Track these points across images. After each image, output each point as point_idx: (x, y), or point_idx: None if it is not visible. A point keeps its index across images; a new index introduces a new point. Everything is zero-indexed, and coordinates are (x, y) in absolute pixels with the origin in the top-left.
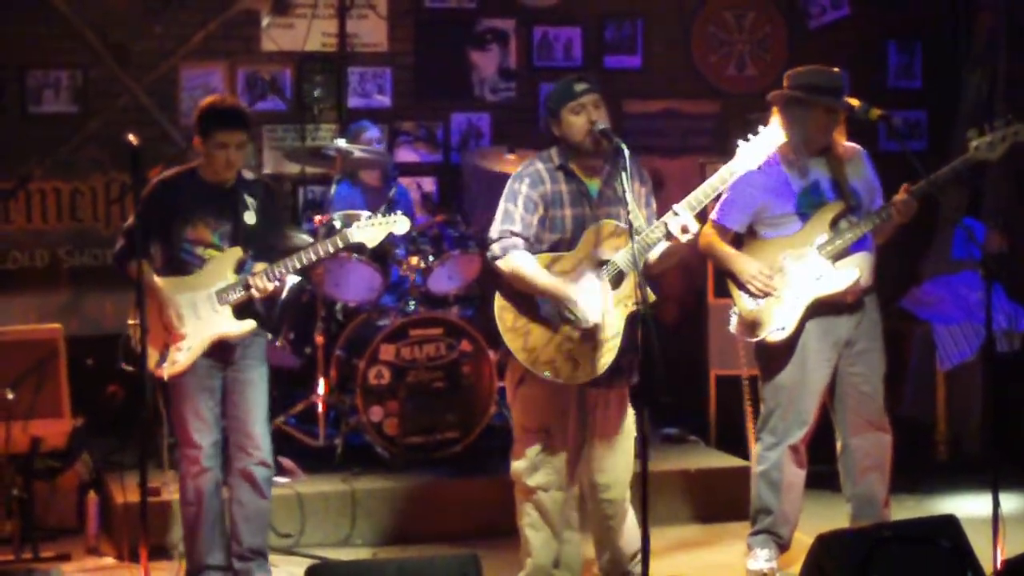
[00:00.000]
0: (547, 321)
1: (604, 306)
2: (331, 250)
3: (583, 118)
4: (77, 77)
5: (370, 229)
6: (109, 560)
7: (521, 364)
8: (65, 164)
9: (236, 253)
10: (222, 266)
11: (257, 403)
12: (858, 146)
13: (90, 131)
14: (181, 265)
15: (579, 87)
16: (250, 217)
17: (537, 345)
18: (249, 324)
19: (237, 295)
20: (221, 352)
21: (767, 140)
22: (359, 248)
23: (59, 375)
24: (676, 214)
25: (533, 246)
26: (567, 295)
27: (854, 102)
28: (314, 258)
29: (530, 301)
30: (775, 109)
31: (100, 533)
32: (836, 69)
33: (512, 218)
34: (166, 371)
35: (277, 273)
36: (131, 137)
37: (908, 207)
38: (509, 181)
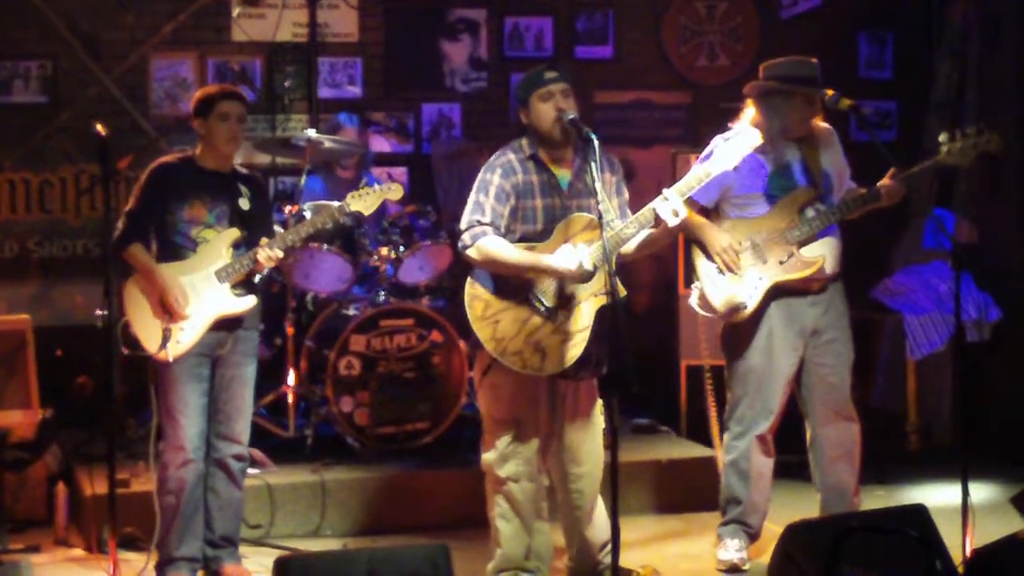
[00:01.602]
0: (517, 312)
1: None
2: (331, 221)
3: (551, 105)
4: (47, 67)
5: (367, 198)
6: (78, 551)
7: (488, 354)
8: (34, 155)
9: (233, 234)
10: (217, 247)
11: (245, 399)
12: (829, 126)
13: (60, 122)
14: (175, 251)
15: (548, 75)
16: (244, 203)
17: (506, 335)
18: (251, 300)
19: (237, 272)
20: (222, 327)
21: (745, 141)
22: (329, 237)
23: (27, 366)
24: (667, 199)
25: (505, 237)
26: (544, 261)
27: (827, 91)
28: (315, 230)
29: (501, 291)
30: (750, 101)
31: (69, 524)
32: (813, 59)
33: (482, 208)
34: (171, 352)
35: (288, 242)
36: (99, 127)
37: (898, 192)
38: (481, 172)
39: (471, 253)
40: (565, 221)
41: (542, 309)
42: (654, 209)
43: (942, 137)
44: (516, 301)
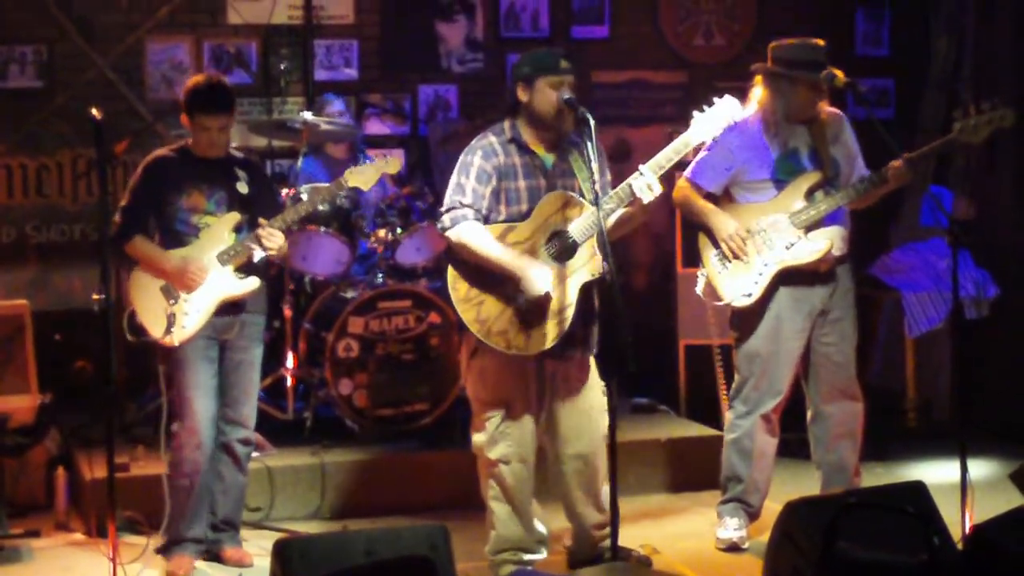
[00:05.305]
0: (500, 292)
1: (555, 277)
2: (331, 198)
3: (559, 95)
4: (42, 52)
5: (365, 173)
6: (78, 535)
7: (474, 336)
8: (31, 140)
9: (233, 218)
10: (219, 231)
11: (252, 382)
12: (839, 111)
13: (56, 106)
14: (177, 237)
15: (565, 64)
16: (242, 187)
17: (490, 316)
18: (253, 282)
19: (238, 255)
20: (228, 311)
21: (723, 112)
22: (326, 219)
23: (26, 351)
24: (642, 174)
25: (489, 218)
26: (516, 267)
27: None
28: (312, 209)
29: (483, 271)
30: (758, 79)
31: (69, 509)
32: (821, 41)
33: (463, 190)
34: (176, 337)
35: (287, 221)
36: (94, 111)
37: (904, 174)
38: (462, 154)
39: (450, 235)
40: (549, 196)
41: (518, 296)
42: (630, 185)
43: (956, 114)
44: (499, 281)
